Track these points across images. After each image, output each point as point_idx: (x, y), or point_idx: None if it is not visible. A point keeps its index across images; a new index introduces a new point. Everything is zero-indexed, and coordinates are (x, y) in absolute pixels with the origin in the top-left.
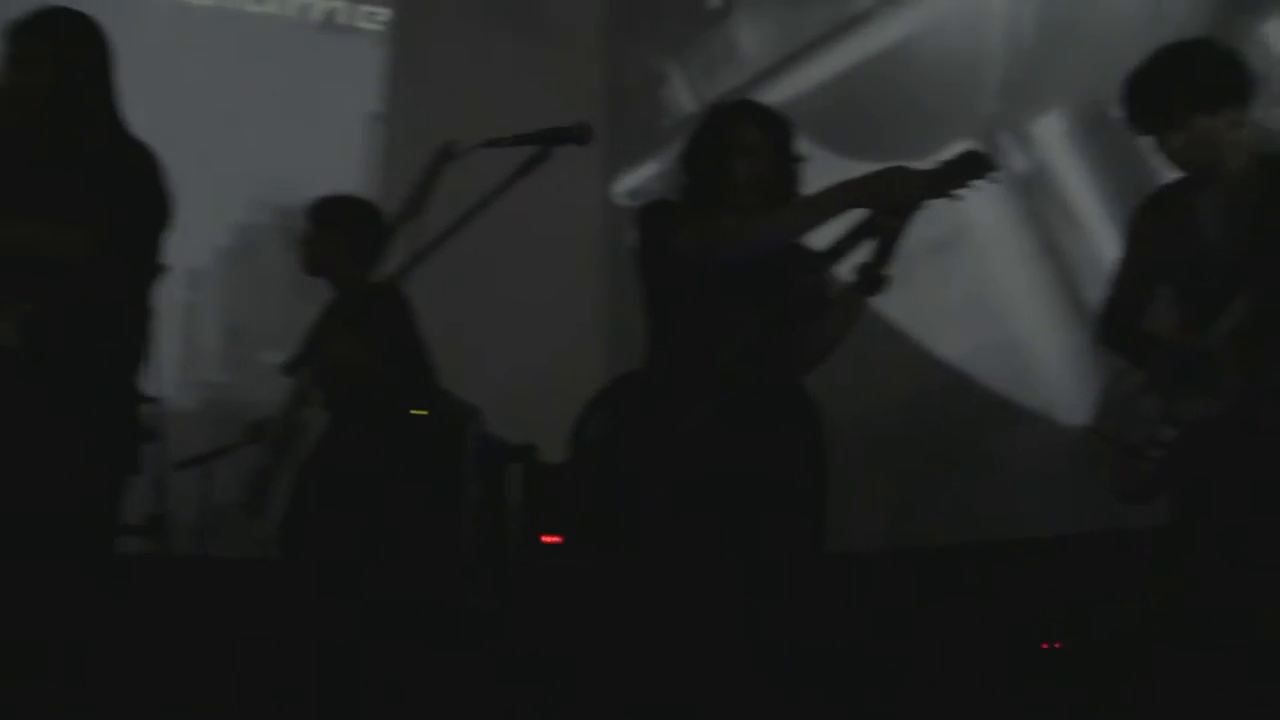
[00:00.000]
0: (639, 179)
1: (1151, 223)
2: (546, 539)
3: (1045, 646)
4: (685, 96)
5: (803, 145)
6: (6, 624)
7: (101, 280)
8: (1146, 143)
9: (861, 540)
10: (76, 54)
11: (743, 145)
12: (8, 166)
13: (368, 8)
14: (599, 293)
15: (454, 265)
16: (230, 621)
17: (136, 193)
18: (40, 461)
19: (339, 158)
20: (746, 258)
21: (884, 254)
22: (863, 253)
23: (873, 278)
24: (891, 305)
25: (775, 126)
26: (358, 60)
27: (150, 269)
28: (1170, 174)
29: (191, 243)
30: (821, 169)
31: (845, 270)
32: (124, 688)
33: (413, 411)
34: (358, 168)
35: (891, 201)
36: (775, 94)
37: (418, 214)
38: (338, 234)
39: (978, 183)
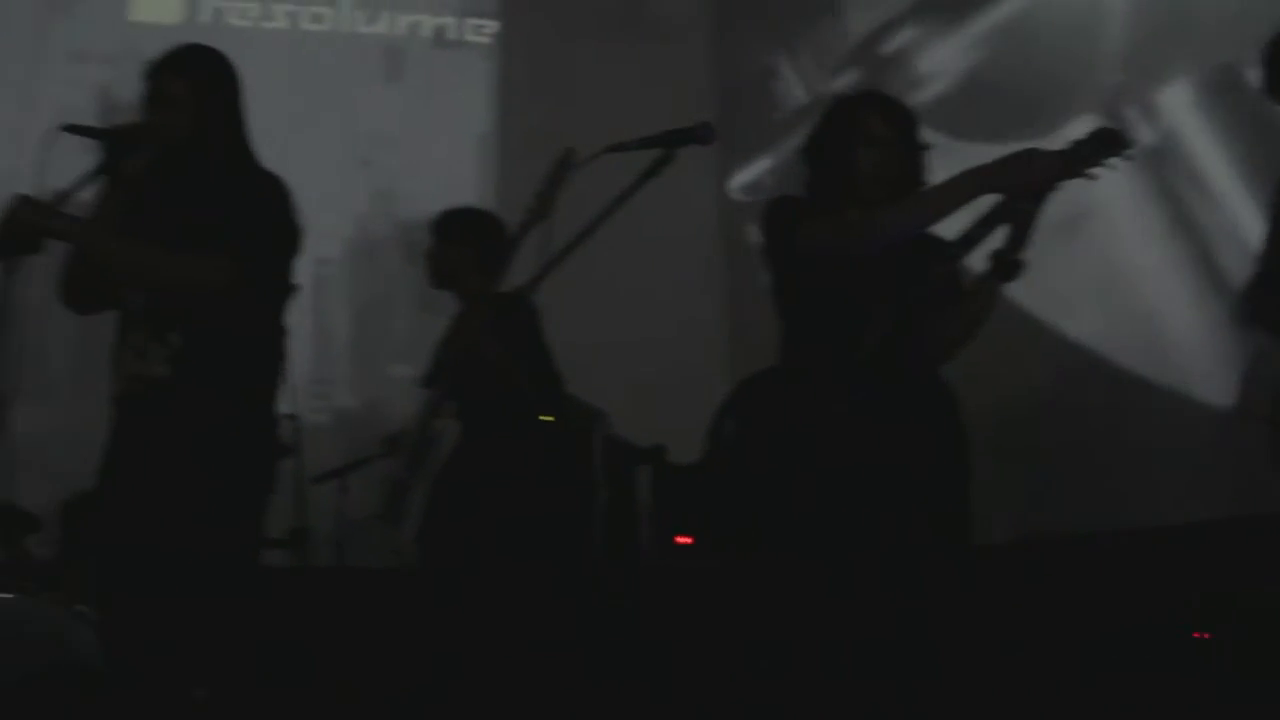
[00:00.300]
0: (753, 174)
1: None
2: (679, 540)
3: (1195, 636)
4: (797, 89)
5: (925, 133)
6: (160, 638)
7: (243, 308)
8: None
9: (996, 531)
10: (213, 90)
11: (868, 136)
12: (151, 201)
13: (476, 21)
14: (719, 290)
15: (573, 270)
16: (372, 630)
17: (270, 223)
18: (191, 486)
19: (457, 170)
20: (876, 250)
21: (1018, 239)
22: (996, 239)
23: (1007, 263)
24: (1021, 288)
25: (900, 116)
26: (469, 73)
27: (285, 292)
28: None
29: (317, 261)
30: (942, 156)
31: (978, 258)
32: (270, 699)
33: (541, 418)
34: (475, 179)
35: (1025, 184)
36: (893, 81)
37: (542, 222)
38: (462, 247)
39: (1112, 160)
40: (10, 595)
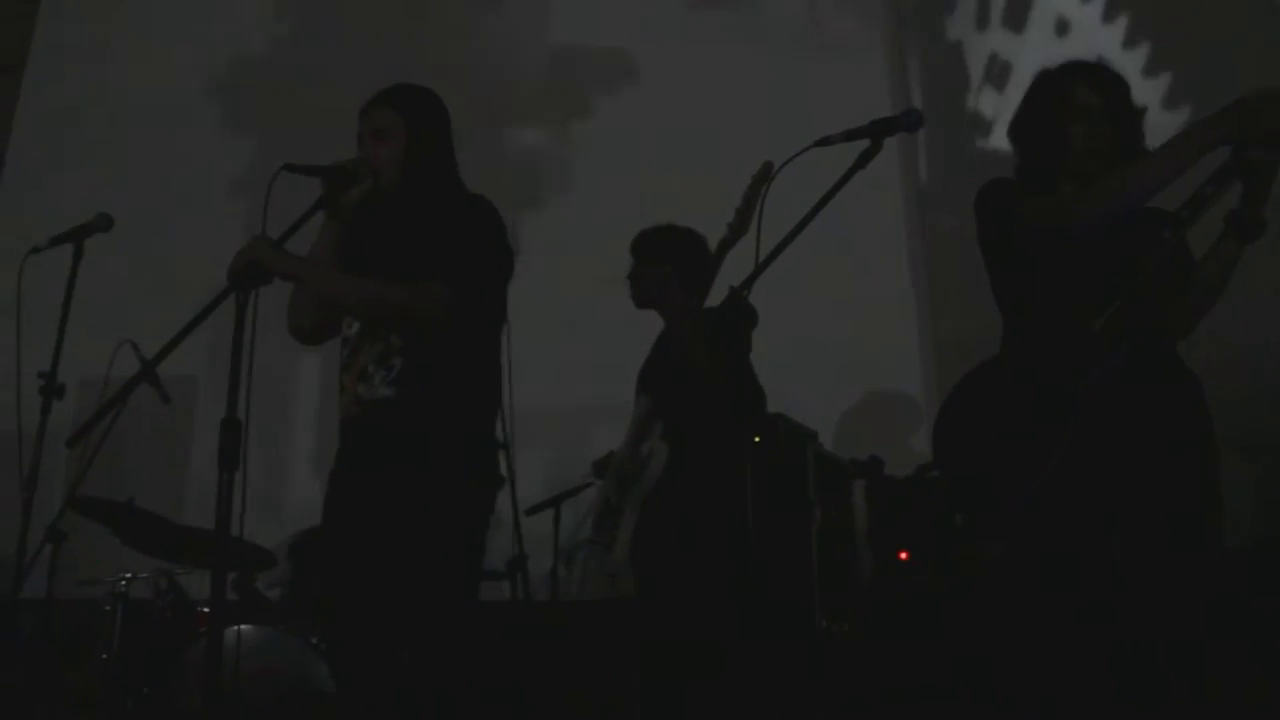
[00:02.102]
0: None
1: None
2: (902, 555)
3: None
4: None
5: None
6: (385, 668)
7: (460, 332)
8: None
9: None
10: (424, 124)
11: (1078, 108)
12: (371, 232)
13: None
14: (920, 298)
15: (767, 288)
16: (591, 660)
17: (484, 249)
18: (415, 510)
19: None
20: (1101, 227)
21: (1258, 194)
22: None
23: (1247, 222)
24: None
25: (1108, 83)
26: None
27: (500, 316)
28: None
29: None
30: None
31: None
32: None
33: (754, 439)
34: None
35: (1259, 131)
36: None
37: (743, 236)
38: (662, 265)
39: None
40: (252, 627)
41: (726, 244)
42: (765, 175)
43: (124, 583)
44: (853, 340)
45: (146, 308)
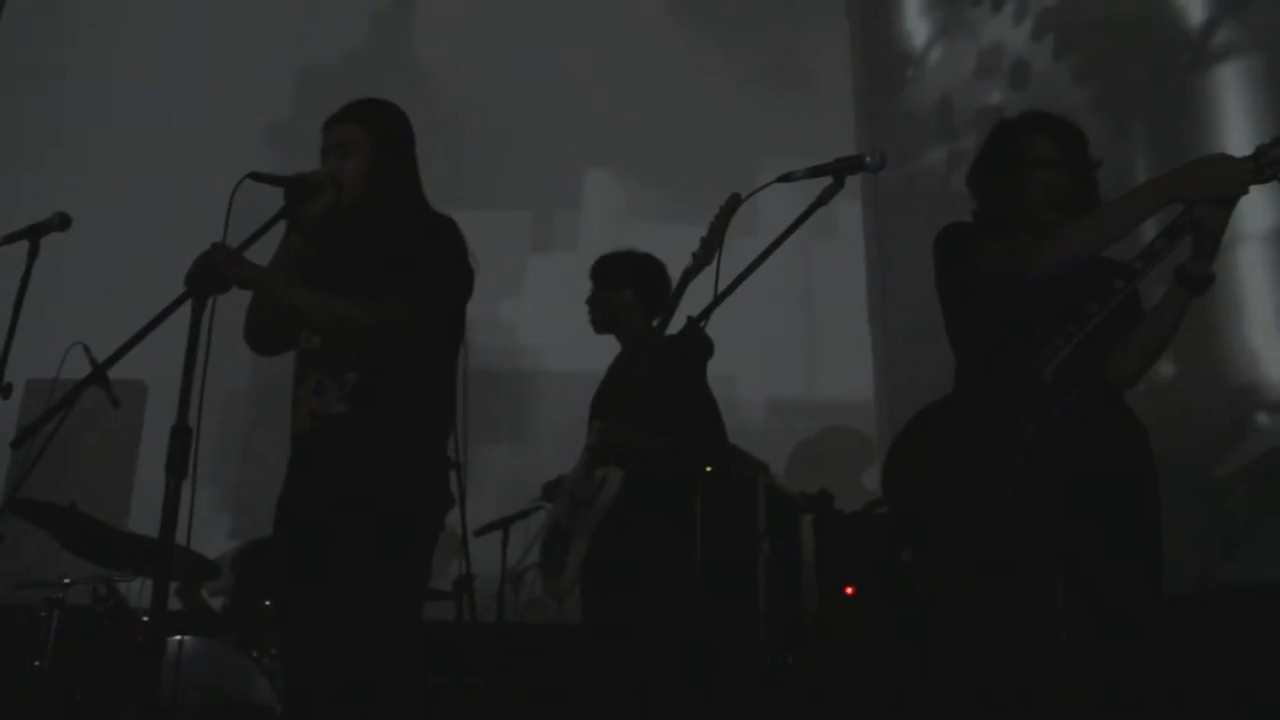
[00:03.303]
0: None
1: None
2: (848, 590)
3: None
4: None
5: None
6: (330, 683)
7: (417, 348)
8: None
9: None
10: (388, 138)
11: (1035, 158)
12: (331, 246)
13: None
14: (875, 335)
15: (730, 320)
16: (535, 683)
17: (443, 266)
18: (364, 526)
19: None
20: (1057, 274)
21: (1206, 249)
22: (1181, 252)
23: (1195, 276)
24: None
25: (1066, 135)
26: None
27: (457, 334)
28: None
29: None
30: None
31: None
32: None
33: (706, 469)
34: None
35: (1212, 191)
36: None
37: (707, 266)
38: (622, 291)
39: None
40: (193, 638)
41: (690, 273)
42: (732, 207)
43: (62, 589)
44: (809, 374)
45: (101, 310)
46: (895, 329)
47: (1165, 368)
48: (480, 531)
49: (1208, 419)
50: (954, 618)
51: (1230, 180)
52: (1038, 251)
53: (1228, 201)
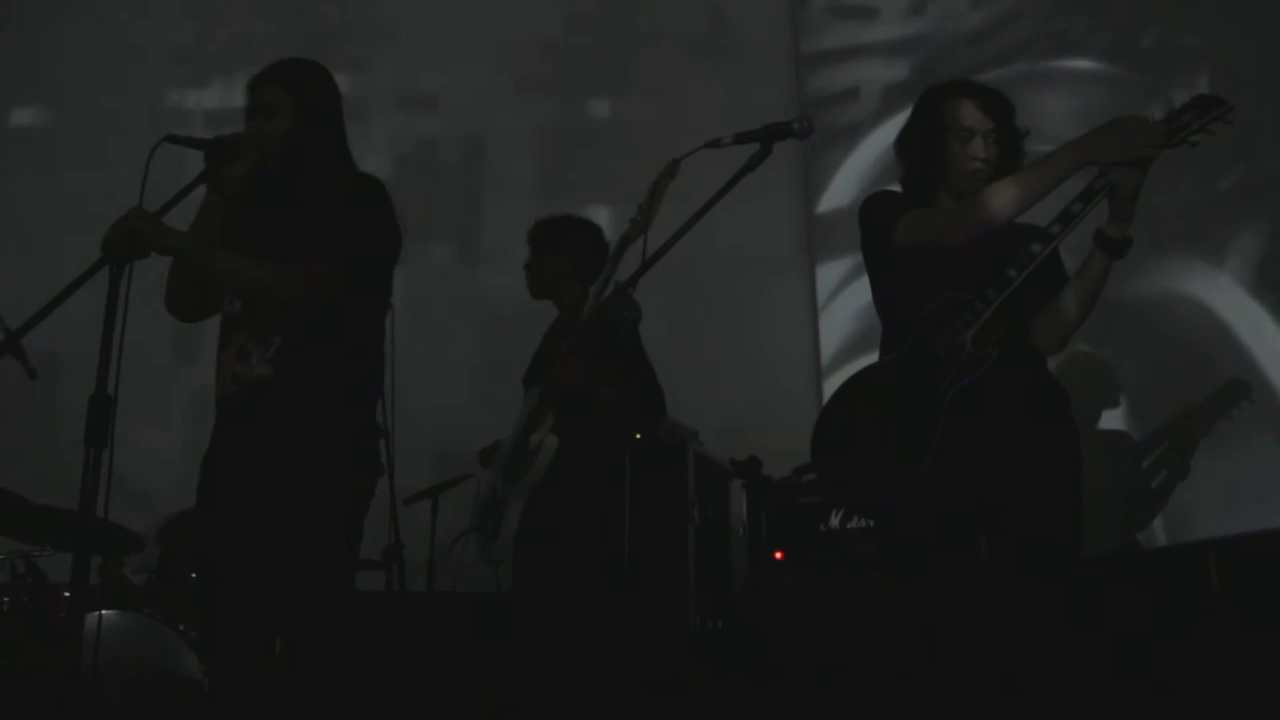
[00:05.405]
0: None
1: None
2: (777, 555)
3: None
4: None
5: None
6: (253, 649)
7: (343, 311)
8: None
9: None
10: (311, 99)
11: (960, 127)
12: (254, 208)
13: None
14: (807, 307)
15: (662, 287)
16: (463, 652)
17: (371, 228)
18: (291, 494)
19: None
20: (976, 239)
21: (1123, 212)
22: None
23: (1114, 240)
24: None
25: (992, 102)
26: None
27: (384, 301)
28: None
29: (401, 279)
30: None
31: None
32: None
33: (636, 435)
34: None
35: (1128, 153)
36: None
37: (644, 231)
38: (559, 256)
39: (1214, 126)
40: (116, 612)
41: (628, 239)
42: (670, 174)
43: None
44: (743, 341)
45: (13, 278)
46: (828, 290)
47: (1087, 331)
48: (410, 500)
49: (1128, 382)
50: (884, 581)
51: (1142, 142)
52: (956, 216)
53: (1141, 164)
